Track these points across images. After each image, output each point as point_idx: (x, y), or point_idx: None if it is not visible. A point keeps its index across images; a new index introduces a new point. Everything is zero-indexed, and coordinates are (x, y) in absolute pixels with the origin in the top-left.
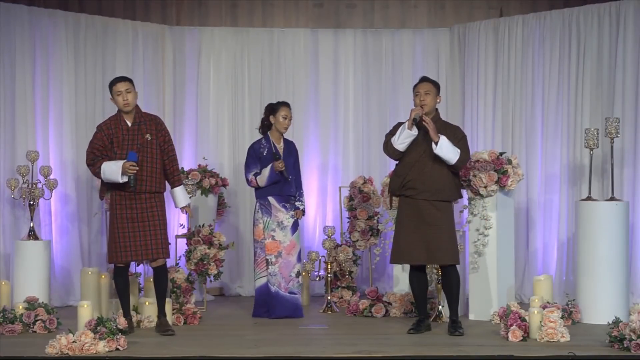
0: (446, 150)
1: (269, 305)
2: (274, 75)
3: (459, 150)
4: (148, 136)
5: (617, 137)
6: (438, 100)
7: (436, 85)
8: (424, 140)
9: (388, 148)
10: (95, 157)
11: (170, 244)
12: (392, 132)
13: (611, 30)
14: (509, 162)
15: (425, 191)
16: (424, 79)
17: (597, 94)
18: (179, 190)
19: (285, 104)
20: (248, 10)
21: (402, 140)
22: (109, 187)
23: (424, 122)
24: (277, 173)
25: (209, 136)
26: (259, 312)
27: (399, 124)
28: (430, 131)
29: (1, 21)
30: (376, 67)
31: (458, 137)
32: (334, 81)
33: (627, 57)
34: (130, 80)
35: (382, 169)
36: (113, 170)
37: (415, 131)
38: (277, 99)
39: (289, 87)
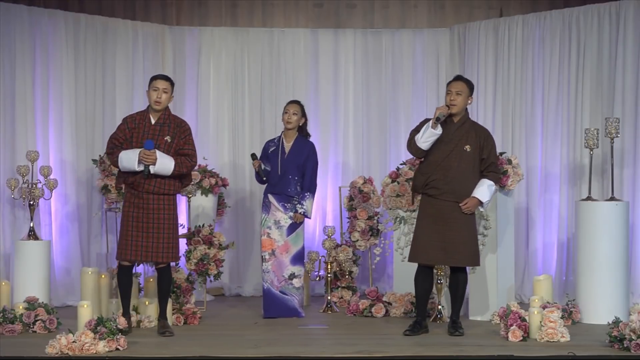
0: (490, 195)
1: (265, 304)
2: (274, 75)
3: (492, 183)
4: (168, 138)
5: (617, 137)
6: (469, 102)
7: (470, 86)
8: (450, 140)
9: (412, 146)
10: (114, 146)
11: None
12: (417, 129)
13: (611, 30)
14: (509, 162)
15: (449, 192)
16: (458, 78)
17: (597, 94)
18: (166, 157)
19: (290, 101)
20: (248, 10)
21: (426, 139)
22: (123, 182)
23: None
24: (257, 172)
25: (209, 136)
26: (265, 311)
27: (425, 120)
28: (473, 208)
29: (1, 21)
30: (376, 67)
31: (489, 147)
32: (334, 81)
33: (627, 57)
34: (170, 82)
35: (382, 169)
36: (130, 158)
37: (439, 130)
38: (277, 99)
39: (289, 87)
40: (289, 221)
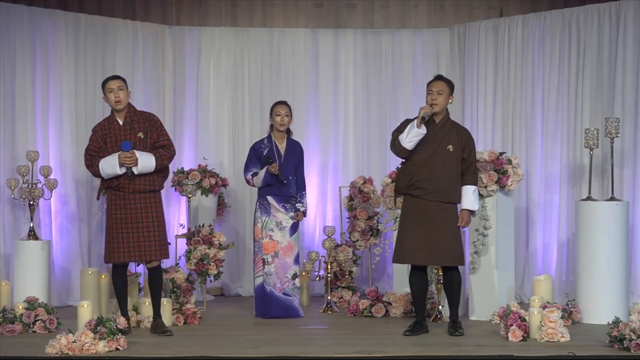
0: (478, 201)
1: (264, 305)
2: (274, 75)
3: (475, 188)
4: (141, 135)
5: (617, 137)
6: (450, 101)
7: (450, 85)
8: (434, 140)
9: (395, 146)
10: (92, 157)
11: (170, 243)
12: (400, 129)
13: (611, 30)
14: (509, 162)
15: (434, 192)
16: (439, 77)
17: (597, 94)
18: (146, 155)
19: (280, 102)
20: (248, 10)
21: (411, 138)
22: (105, 186)
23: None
24: (271, 175)
25: (209, 136)
26: (260, 311)
27: (407, 121)
28: (465, 224)
29: (1, 21)
30: (376, 67)
31: (470, 147)
32: (334, 81)
33: (627, 57)
34: (122, 79)
35: (382, 169)
36: (111, 164)
37: (424, 130)
38: (277, 99)
39: (289, 87)
40: (291, 221)
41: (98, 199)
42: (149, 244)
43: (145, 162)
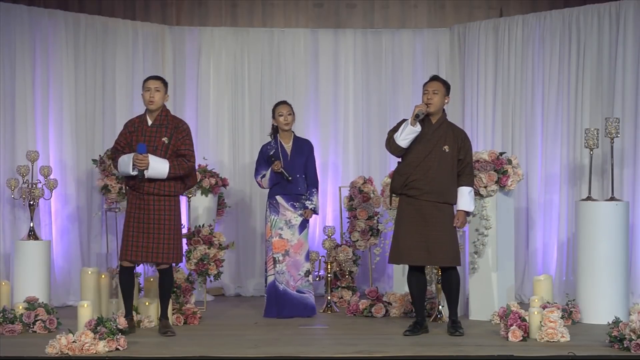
0: (474, 202)
1: (278, 304)
2: (274, 75)
3: (470, 189)
4: (165, 139)
5: (617, 137)
6: (446, 101)
7: (446, 86)
8: (429, 140)
9: (390, 144)
10: (117, 151)
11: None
12: (395, 129)
13: (611, 30)
14: (509, 162)
15: (430, 192)
16: (435, 78)
17: (597, 94)
18: (160, 160)
19: (281, 103)
20: (248, 10)
21: (405, 136)
22: (127, 184)
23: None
24: (276, 174)
25: (209, 136)
26: (271, 311)
27: (403, 121)
28: (461, 224)
29: (1, 21)
30: (376, 67)
31: (466, 148)
32: (334, 81)
33: (627, 57)
34: (162, 81)
35: (382, 169)
36: (126, 162)
37: (418, 127)
38: (277, 99)
39: (289, 87)
40: (300, 219)
41: (125, 194)
42: (156, 246)
43: (157, 167)
